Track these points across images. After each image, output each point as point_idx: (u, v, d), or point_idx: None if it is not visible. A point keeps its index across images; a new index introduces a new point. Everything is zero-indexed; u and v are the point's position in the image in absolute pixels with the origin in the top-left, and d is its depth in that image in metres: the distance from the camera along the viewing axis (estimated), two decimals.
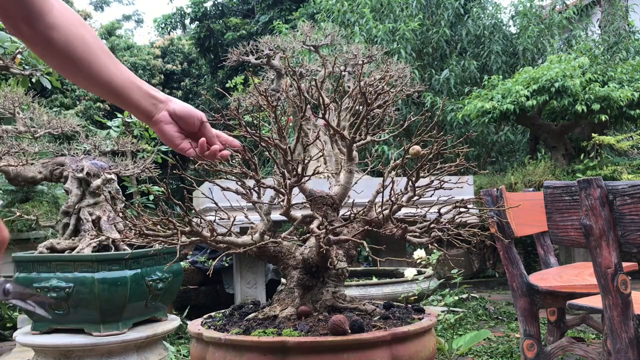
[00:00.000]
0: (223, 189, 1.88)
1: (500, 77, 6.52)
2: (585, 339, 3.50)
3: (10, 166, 2.92)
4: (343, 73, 4.49)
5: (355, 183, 1.99)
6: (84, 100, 13.04)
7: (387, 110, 2.05)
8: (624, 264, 2.16)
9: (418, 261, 3.42)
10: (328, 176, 2.53)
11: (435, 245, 1.85)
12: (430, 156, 1.79)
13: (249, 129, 1.74)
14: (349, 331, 1.58)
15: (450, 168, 1.93)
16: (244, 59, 4.49)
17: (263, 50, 4.45)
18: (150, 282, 2.71)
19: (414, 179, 1.81)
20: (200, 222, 1.75)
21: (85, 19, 15.42)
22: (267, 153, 1.81)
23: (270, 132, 2.11)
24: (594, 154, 5.79)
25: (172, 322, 2.89)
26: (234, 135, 1.83)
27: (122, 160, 3.14)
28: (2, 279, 0.78)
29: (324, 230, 1.66)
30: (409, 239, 1.80)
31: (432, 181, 1.86)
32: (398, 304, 2.02)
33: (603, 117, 5.49)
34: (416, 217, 1.95)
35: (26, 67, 3.88)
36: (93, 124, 8.50)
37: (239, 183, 1.96)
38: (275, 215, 1.97)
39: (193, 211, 1.70)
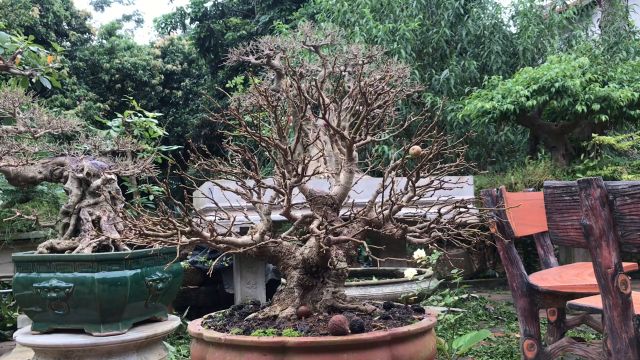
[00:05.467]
0: (223, 189, 1.88)
1: (500, 77, 6.52)
2: (585, 339, 3.50)
3: (10, 166, 2.92)
4: (343, 73, 4.49)
5: (355, 183, 1.99)
6: (84, 100, 13.04)
7: (387, 111, 2.05)
8: (624, 264, 2.16)
9: (418, 261, 3.42)
10: (328, 176, 2.53)
11: (435, 245, 1.85)
12: (430, 156, 1.79)
13: (249, 129, 1.74)
14: (349, 331, 1.58)
15: (450, 168, 1.93)
16: (244, 59, 4.49)
17: (263, 51, 4.45)
18: (150, 282, 2.71)
19: (414, 179, 1.81)
20: (200, 222, 1.75)
21: (85, 19, 15.43)
22: (267, 153, 1.81)
23: (270, 132, 2.11)
24: (594, 154, 5.79)
25: (172, 322, 2.89)
26: (234, 135, 1.83)
27: (122, 160, 3.14)
28: None
29: (324, 231, 1.66)
30: (409, 239, 1.80)
31: (432, 181, 1.86)
32: (398, 304, 2.02)
33: (603, 117, 5.48)
34: (416, 217, 1.95)
35: (26, 67, 3.88)
36: (93, 124, 8.50)
37: (239, 183, 1.96)
38: (275, 215, 1.97)
39: (193, 211, 1.70)
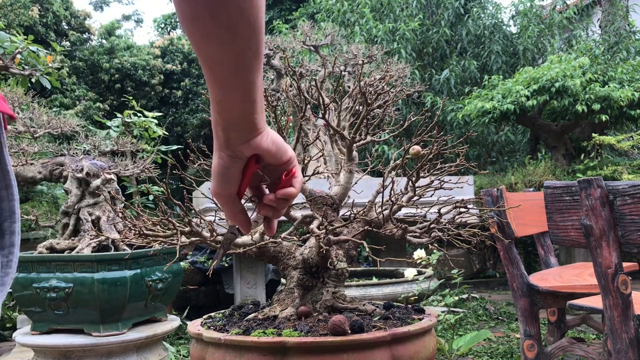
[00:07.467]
0: None
1: (501, 77, 6.52)
2: (585, 339, 3.50)
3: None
4: (343, 73, 4.48)
5: (355, 183, 1.99)
6: (83, 100, 13.04)
7: (387, 110, 2.05)
8: (624, 264, 2.16)
9: (418, 261, 3.42)
10: (328, 176, 2.53)
11: (435, 245, 1.85)
12: (430, 156, 1.79)
13: None
14: (349, 331, 1.57)
15: (451, 168, 1.93)
16: None
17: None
18: (150, 282, 2.70)
19: (414, 179, 1.81)
20: (200, 222, 1.75)
21: (84, 19, 15.43)
22: None
23: None
24: (594, 154, 5.79)
25: (172, 322, 2.88)
26: None
27: (121, 160, 3.14)
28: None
29: (324, 231, 1.65)
30: (409, 239, 1.80)
31: (432, 181, 1.86)
32: (398, 304, 2.01)
33: (603, 117, 5.48)
34: (416, 217, 1.94)
35: (26, 67, 3.87)
36: (93, 124, 8.49)
37: None
38: None
39: (193, 211, 1.70)
